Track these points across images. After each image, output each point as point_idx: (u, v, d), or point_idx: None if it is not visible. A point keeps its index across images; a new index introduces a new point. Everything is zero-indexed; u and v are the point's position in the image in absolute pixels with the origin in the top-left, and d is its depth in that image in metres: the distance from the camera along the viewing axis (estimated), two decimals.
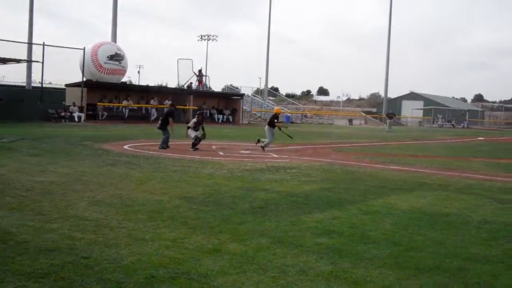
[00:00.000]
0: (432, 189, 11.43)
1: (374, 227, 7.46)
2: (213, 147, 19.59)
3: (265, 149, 18.92)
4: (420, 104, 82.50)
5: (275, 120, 19.64)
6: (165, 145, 18.13)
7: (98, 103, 38.15)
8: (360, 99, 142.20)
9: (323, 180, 12.25)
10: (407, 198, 10.07)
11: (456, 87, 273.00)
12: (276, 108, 21.53)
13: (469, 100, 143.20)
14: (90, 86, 38.16)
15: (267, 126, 19.73)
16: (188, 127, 18.80)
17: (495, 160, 20.10)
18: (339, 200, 9.55)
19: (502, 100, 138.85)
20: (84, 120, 35.41)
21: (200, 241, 6.32)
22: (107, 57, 39.73)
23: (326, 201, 9.37)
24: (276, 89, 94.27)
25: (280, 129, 19.73)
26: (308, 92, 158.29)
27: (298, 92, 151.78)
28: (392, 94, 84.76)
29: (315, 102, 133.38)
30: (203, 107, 42.16)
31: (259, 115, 57.12)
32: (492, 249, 6.58)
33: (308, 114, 67.11)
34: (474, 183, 12.76)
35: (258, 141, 19.48)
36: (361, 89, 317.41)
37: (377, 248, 6.35)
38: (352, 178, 12.83)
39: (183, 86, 47.09)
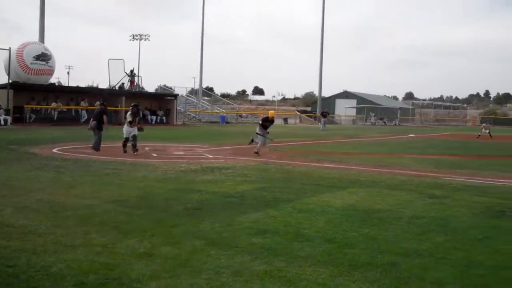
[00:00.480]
0: (365, 186, 11.65)
1: (309, 225, 7.50)
2: (146, 148, 19.25)
3: (259, 152, 18.54)
4: (353, 102, 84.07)
5: (269, 125, 19.49)
6: (97, 146, 17.65)
7: (26, 105, 36.78)
8: (295, 98, 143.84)
9: (258, 179, 12.26)
10: (341, 196, 10.21)
11: (388, 86, 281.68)
12: (271, 112, 21.02)
13: (400, 98, 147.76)
14: (17, 87, 36.73)
15: (258, 128, 19.44)
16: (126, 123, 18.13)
17: (425, 156, 20.74)
18: (274, 200, 9.57)
19: (432, 97, 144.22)
20: (10, 123, 34.06)
21: (132, 245, 6.17)
22: (34, 57, 38.32)
23: (261, 201, 9.37)
24: (211, 89, 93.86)
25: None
26: (244, 91, 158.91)
27: (233, 92, 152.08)
28: (326, 93, 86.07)
29: (251, 101, 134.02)
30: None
31: (194, 115, 56.72)
32: (423, 243, 6.75)
33: (244, 114, 67.21)
34: (406, 179, 13.10)
35: (252, 141, 19.23)
36: (296, 89, 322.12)
37: (311, 246, 6.38)
38: (287, 177, 12.90)
39: (114, 86, 46.09)
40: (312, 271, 5.41)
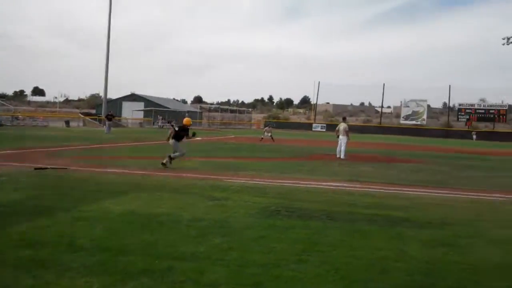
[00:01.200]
0: (147, 190, 11.52)
1: (84, 234, 7.14)
2: None
3: (171, 162, 16.99)
4: (141, 105, 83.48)
5: (186, 134, 17.87)
6: None
7: None
8: (80, 100, 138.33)
9: (33, 187, 11.43)
10: (122, 201, 9.96)
11: (177, 89, 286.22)
12: (186, 119, 18.69)
13: (189, 102, 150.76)
14: None
15: (172, 140, 17.68)
16: None
17: (210, 159, 21.29)
18: (49, 208, 8.95)
19: (219, 101, 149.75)
20: None
21: None
22: None
23: (34, 210, 8.72)
24: None
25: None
26: (22, 92, 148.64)
27: (10, 92, 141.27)
28: (112, 95, 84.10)
29: (29, 103, 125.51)
30: None
31: None
32: (200, 245, 6.82)
33: (20, 116, 62.63)
34: (189, 182, 13.27)
35: (170, 158, 17.16)
36: (82, 90, 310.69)
37: (85, 256, 6.08)
38: (66, 184, 12.22)
39: None
40: (84, 282, 5.15)
